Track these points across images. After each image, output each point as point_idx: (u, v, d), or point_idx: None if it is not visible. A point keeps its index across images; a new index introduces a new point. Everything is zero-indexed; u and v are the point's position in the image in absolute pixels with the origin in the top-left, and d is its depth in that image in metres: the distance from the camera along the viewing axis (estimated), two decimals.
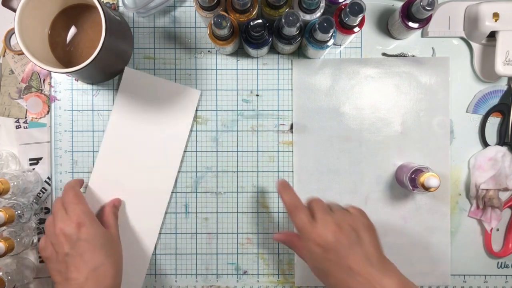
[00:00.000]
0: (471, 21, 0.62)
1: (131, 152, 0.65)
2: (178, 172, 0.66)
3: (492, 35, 0.61)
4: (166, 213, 0.66)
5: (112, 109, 0.66)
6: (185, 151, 0.66)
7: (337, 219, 0.53)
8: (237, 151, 0.67)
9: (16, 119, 0.67)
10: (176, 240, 0.67)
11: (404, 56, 0.66)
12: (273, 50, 0.66)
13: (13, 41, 0.67)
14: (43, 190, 0.67)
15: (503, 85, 0.66)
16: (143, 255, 0.66)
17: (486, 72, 0.65)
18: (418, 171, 0.59)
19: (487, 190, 0.64)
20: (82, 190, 0.65)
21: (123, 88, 0.66)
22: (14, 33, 0.65)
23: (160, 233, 0.66)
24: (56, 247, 0.57)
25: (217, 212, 0.67)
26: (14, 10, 0.66)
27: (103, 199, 0.65)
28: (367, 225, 0.54)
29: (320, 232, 0.52)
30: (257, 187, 0.67)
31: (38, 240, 0.66)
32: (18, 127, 0.67)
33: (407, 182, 0.60)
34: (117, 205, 0.65)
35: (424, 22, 0.60)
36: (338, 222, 0.52)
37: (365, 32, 0.66)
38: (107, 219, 0.62)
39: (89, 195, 0.65)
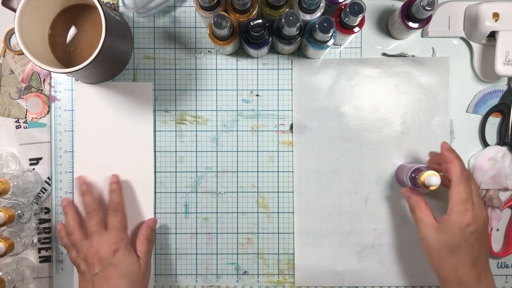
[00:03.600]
0: (471, 21, 0.62)
1: (103, 160, 0.66)
2: (177, 172, 0.66)
3: (492, 35, 0.61)
4: (165, 213, 0.67)
5: (74, 129, 0.66)
6: (185, 151, 0.66)
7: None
8: (237, 151, 0.67)
9: (16, 119, 0.67)
10: (176, 240, 0.67)
11: (404, 56, 0.66)
12: (273, 50, 0.66)
13: (13, 41, 0.67)
14: (43, 190, 0.67)
15: (503, 85, 0.66)
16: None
17: (486, 72, 0.65)
18: (418, 170, 0.59)
19: (487, 190, 0.64)
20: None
21: (79, 104, 0.66)
22: (14, 33, 0.65)
23: (160, 233, 0.67)
24: (88, 266, 0.59)
25: (217, 212, 0.67)
26: (14, 10, 0.66)
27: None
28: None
29: None
30: (257, 187, 0.67)
31: (38, 240, 0.66)
32: (18, 127, 0.67)
33: (407, 181, 0.60)
34: (151, 226, 0.64)
35: (424, 22, 0.60)
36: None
37: (365, 32, 0.66)
38: (139, 245, 0.62)
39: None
